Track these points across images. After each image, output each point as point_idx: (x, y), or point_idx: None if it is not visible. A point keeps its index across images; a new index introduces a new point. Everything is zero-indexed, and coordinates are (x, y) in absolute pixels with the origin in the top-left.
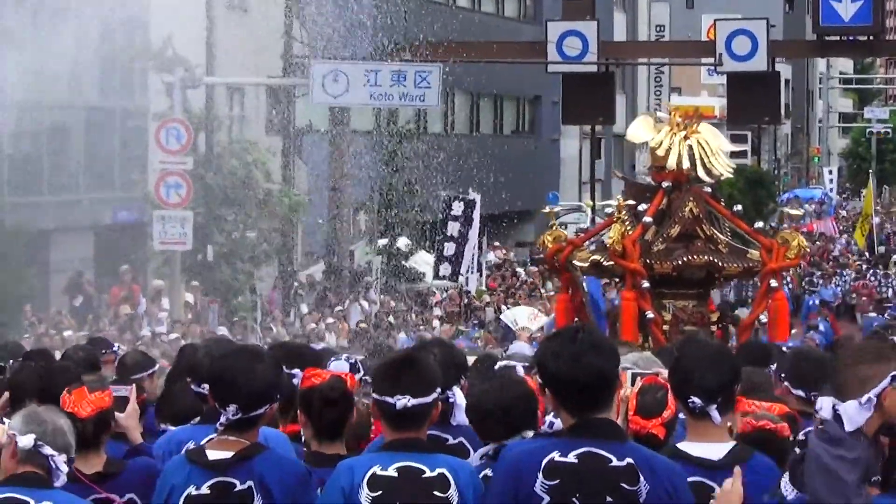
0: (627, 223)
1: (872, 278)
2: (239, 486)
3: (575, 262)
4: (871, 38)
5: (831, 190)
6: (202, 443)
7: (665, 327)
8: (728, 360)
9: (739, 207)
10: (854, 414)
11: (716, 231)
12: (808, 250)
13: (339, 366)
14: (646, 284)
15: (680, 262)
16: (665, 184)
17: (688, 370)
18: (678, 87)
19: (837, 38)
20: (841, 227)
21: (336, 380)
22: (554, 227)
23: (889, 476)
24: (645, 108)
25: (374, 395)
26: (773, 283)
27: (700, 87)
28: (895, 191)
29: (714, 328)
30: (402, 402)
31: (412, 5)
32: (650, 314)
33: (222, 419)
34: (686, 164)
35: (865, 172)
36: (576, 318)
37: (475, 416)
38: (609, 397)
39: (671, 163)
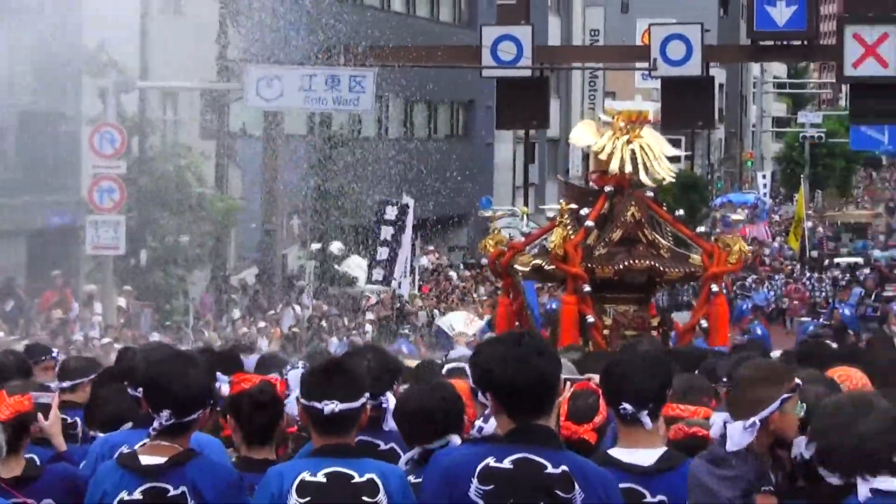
0: (569, 227)
1: (807, 282)
2: (172, 492)
3: (516, 266)
4: (805, 42)
5: (765, 195)
6: (135, 448)
7: (605, 332)
8: (659, 366)
9: (681, 212)
10: (737, 436)
11: (658, 236)
12: (750, 255)
13: (297, 375)
14: (587, 288)
15: (621, 267)
16: (607, 188)
17: (620, 376)
18: (612, 92)
19: (772, 42)
20: (774, 232)
21: (265, 384)
22: (495, 231)
23: (792, 485)
24: (579, 113)
25: (303, 401)
26: (714, 287)
27: (634, 92)
28: (828, 195)
29: (655, 332)
30: (330, 407)
31: (347, 10)
32: (591, 318)
33: (155, 424)
34: (629, 169)
35: (798, 177)
36: (516, 322)
37: (400, 419)
38: (552, 402)
39: (614, 167)
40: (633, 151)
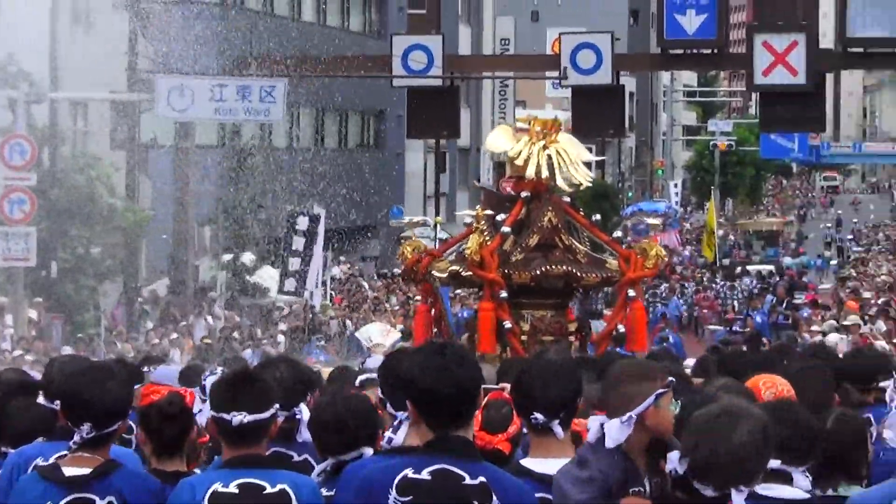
0: (486, 234)
1: (719, 291)
2: (98, 502)
3: (434, 272)
4: (715, 51)
5: (677, 203)
6: (53, 460)
7: (523, 338)
8: (570, 375)
9: (598, 217)
10: (615, 432)
11: (575, 241)
12: (666, 260)
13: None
14: (504, 294)
15: (538, 272)
16: (524, 194)
17: (530, 385)
18: (523, 101)
19: (681, 51)
20: (685, 240)
21: (174, 395)
22: (413, 238)
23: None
24: (490, 123)
25: (212, 412)
26: (632, 292)
27: (545, 101)
28: (739, 203)
29: (572, 338)
30: (239, 418)
31: (257, 19)
32: (508, 324)
33: (76, 437)
34: (545, 174)
35: (709, 185)
36: (434, 330)
37: (314, 430)
38: (472, 413)
39: (530, 172)
40: (549, 157)
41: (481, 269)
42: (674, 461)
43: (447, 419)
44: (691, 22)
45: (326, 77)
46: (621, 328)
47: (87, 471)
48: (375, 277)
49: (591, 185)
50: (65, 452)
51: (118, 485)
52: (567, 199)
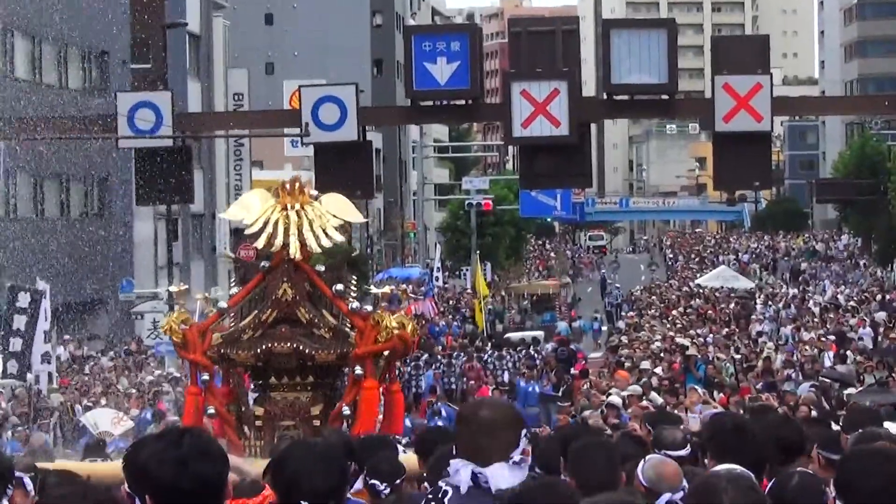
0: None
1: (487, 360)
2: None
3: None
4: (470, 101)
5: (439, 269)
6: None
7: (258, 423)
8: (336, 459)
9: (340, 287)
10: (508, 475)
11: (324, 314)
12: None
13: None
14: (206, 377)
15: (260, 350)
16: (263, 264)
17: (294, 473)
18: (260, 161)
19: (432, 102)
20: (442, 308)
21: None
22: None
23: None
24: (224, 186)
25: None
26: (358, 370)
27: (284, 161)
28: (498, 267)
29: (317, 421)
30: None
31: None
32: (211, 410)
33: None
34: (279, 241)
35: (465, 248)
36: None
37: None
38: None
39: (260, 242)
40: (290, 221)
41: (184, 350)
42: None
43: None
44: (442, 71)
45: (44, 140)
46: (346, 410)
47: None
48: (107, 357)
49: (333, 245)
50: None
51: None
52: (322, 267)
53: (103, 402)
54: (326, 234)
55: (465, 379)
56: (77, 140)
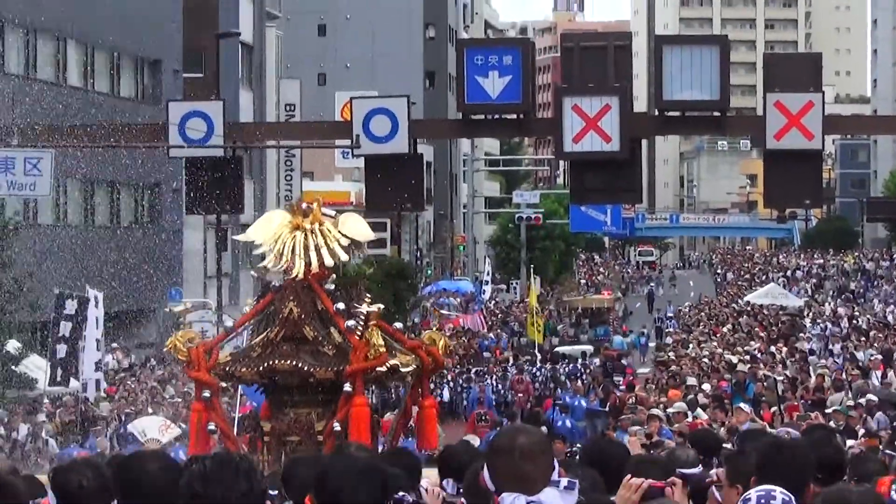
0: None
1: (536, 374)
2: None
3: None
4: (521, 116)
5: (487, 282)
6: None
7: (266, 439)
8: (378, 474)
9: (341, 305)
10: (561, 501)
11: (332, 332)
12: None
13: None
14: (207, 394)
15: (261, 368)
16: (273, 283)
17: (335, 488)
18: (311, 172)
19: (484, 116)
20: (490, 322)
21: None
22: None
23: None
24: (275, 196)
25: None
26: (347, 387)
27: (335, 172)
28: (546, 281)
29: (321, 437)
30: None
31: (18, 84)
32: (213, 426)
33: None
34: (284, 260)
35: (514, 261)
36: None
37: None
38: None
39: (269, 260)
40: (297, 240)
41: (189, 368)
42: None
43: None
44: (494, 85)
45: (96, 148)
46: (336, 426)
47: None
48: (154, 366)
49: (335, 263)
50: None
51: None
52: (331, 285)
53: (150, 410)
54: (332, 254)
55: (513, 391)
56: (128, 148)
